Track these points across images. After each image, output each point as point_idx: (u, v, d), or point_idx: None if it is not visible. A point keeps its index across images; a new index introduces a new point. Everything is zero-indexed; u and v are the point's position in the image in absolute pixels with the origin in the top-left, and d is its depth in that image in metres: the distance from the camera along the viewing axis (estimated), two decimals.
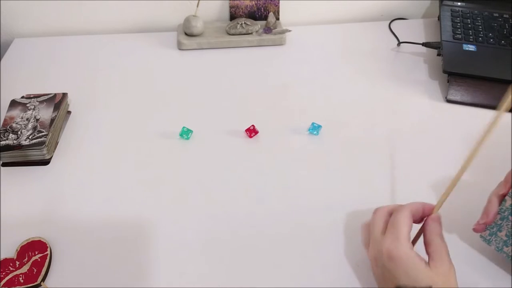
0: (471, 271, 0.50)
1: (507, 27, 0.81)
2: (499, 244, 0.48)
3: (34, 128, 0.63)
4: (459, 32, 0.80)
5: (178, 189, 0.59)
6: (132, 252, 0.52)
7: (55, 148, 0.65)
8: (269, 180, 0.60)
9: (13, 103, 0.68)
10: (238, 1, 0.87)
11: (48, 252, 0.51)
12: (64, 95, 0.70)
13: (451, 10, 0.85)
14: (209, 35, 0.85)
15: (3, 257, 0.51)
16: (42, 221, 0.56)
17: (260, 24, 0.86)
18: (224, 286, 0.49)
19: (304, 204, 0.57)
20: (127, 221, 0.56)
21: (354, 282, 0.49)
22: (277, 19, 0.89)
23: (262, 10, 0.89)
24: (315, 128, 0.66)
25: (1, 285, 0.48)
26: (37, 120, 0.65)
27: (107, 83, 0.77)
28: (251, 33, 0.85)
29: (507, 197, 0.47)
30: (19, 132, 0.63)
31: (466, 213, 0.52)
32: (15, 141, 0.61)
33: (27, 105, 0.67)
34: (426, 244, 0.44)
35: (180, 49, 0.85)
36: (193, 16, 0.84)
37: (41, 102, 0.68)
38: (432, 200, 0.48)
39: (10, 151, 0.61)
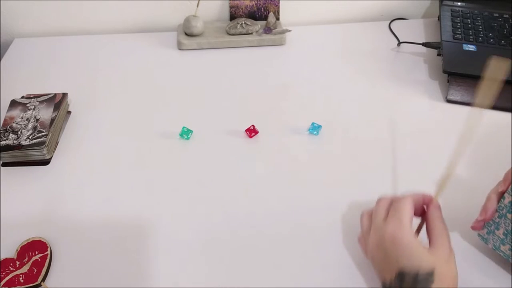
0: (470, 269, 0.50)
1: (507, 27, 0.81)
2: (496, 242, 0.48)
3: (34, 128, 0.63)
4: (459, 32, 0.80)
5: (178, 189, 0.59)
6: (132, 252, 0.52)
7: (55, 148, 0.65)
8: (269, 180, 0.60)
9: (13, 103, 0.68)
10: (238, 1, 0.87)
11: (48, 252, 0.51)
12: (64, 95, 0.70)
13: (451, 10, 0.85)
14: (209, 35, 0.85)
15: (3, 257, 0.51)
16: (42, 221, 0.56)
17: (260, 24, 0.86)
18: (224, 286, 0.49)
19: (304, 204, 0.57)
20: (127, 221, 0.56)
21: (354, 282, 0.49)
22: (277, 19, 0.89)
23: (262, 10, 0.89)
24: (315, 128, 0.66)
25: (1, 285, 0.48)
26: (37, 120, 0.65)
27: (107, 83, 0.77)
28: (251, 33, 0.85)
29: (506, 194, 0.47)
30: (19, 132, 0.63)
31: (464, 212, 0.53)
32: (15, 141, 0.61)
33: (27, 105, 0.67)
34: (428, 229, 0.45)
35: (180, 49, 0.85)
36: (193, 16, 0.84)
37: (41, 102, 0.68)
38: None
39: (10, 151, 0.61)
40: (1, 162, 0.63)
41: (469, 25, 0.81)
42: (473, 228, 0.49)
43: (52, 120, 0.65)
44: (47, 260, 0.50)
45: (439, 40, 0.79)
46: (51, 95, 0.69)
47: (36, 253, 0.51)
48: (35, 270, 0.49)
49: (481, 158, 0.63)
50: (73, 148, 0.65)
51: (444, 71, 0.73)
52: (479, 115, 0.41)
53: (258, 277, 0.50)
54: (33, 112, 0.66)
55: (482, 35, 0.79)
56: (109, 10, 0.88)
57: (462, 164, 0.62)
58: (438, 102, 0.73)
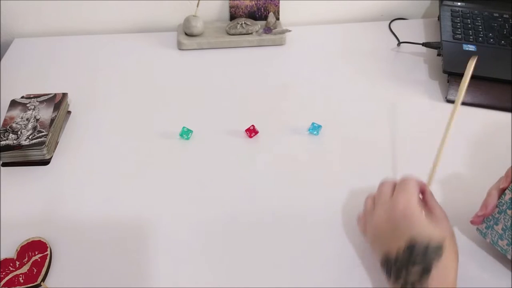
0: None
1: (507, 27, 0.81)
2: (494, 237, 0.49)
3: (34, 128, 0.63)
4: (459, 32, 0.80)
5: (178, 189, 0.59)
6: (132, 252, 0.52)
7: (55, 148, 0.65)
8: (269, 180, 0.60)
9: (13, 103, 0.68)
10: (238, 1, 0.87)
11: (48, 252, 0.51)
12: (64, 95, 0.70)
13: (451, 10, 0.85)
14: (209, 35, 0.85)
15: (3, 257, 0.51)
16: (42, 221, 0.56)
17: (260, 24, 0.86)
18: (224, 286, 0.49)
19: (304, 204, 0.57)
20: (127, 221, 0.56)
21: (354, 282, 0.49)
22: (277, 19, 0.89)
23: (262, 10, 0.89)
24: (315, 128, 0.66)
25: (1, 285, 0.48)
26: (37, 120, 0.65)
27: (107, 83, 0.77)
28: (251, 33, 0.85)
29: (507, 191, 0.47)
30: (19, 132, 0.63)
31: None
32: (15, 141, 0.61)
33: (27, 105, 0.67)
34: (428, 212, 0.46)
35: (180, 49, 0.85)
36: (193, 16, 0.84)
37: (41, 102, 0.68)
38: None
39: (10, 151, 0.61)
40: (1, 162, 0.63)
41: (469, 25, 0.81)
42: (472, 222, 0.50)
43: (52, 120, 0.65)
44: (47, 260, 0.50)
45: (439, 40, 0.79)
46: (51, 95, 0.69)
47: (36, 253, 0.51)
48: (35, 270, 0.49)
49: (481, 157, 0.63)
50: (73, 148, 0.65)
51: (444, 71, 0.73)
52: (457, 109, 0.48)
53: (258, 277, 0.50)
54: (33, 112, 0.66)
55: (482, 35, 0.79)
56: (109, 10, 0.88)
57: (463, 163, 0.62)
58: (438, 102, 0.73)
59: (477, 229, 0.51)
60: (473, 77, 0.75)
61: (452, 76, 0.73)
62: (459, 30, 0.80)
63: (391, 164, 0.62)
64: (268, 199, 0.58)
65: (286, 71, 0.80)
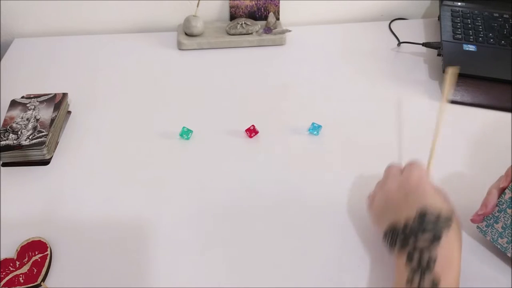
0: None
1: (507, 27, 0.81)
2: (494, 235, 0.49)
3: (34, 128, 0.63)
4: (459, 32, 0.80)
5: (178, 189, 0.59)
6: (132, 252, 0.52)
7: (55, 148, 0.65)
8: (269, 180, 0.60)
9: (13, 103, 0.68)
10: (238, 1, 0.87)
11: (48, 252, 0.51)
12: (64, 95, 0.70)
13: (451, 10, 0.85)
14: (209, 35, 0.85)
15: (3, 257, 0.51)
16: (42, 221, 0.56)
17: (260, 24, 0.86)
18: (224, 286, 0.49)
19: (304, 204, 0.57)
20: (127, 221, 0.56)
21: (354, 282, 0.49)
22: (277, 19, 0.89)
23: (262, 10, 0.89)
24: (315, 128, 0.66)
25: (1, 285, 0.48)
26: (37, 120, 0.65)
27: (107, 83, 0.77)
28: (251, 33, 0.85)
29: (507, 190, 0.48)
30: (19, 132, 0.63)
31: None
32: (15, 141, 0.61)
33: (27, 105, 0.67)
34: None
35: (180, 49, 0.85)
36: (193, 16, 0.84)
37: (41, 102, 0.68)
38: None
39: (10, 151, 0.61)
40: (1, 162, 0.63)
41: (469, 25, 0.81)
42: (472, 221, 0.51)
43: (52, 120, 0.65)
44: (47, 260, 0.50)
45: (439, 40, 0.79)
46: (51, 95, 0.69)
47: (36, 253, 0.51)
48: (35, 270, 0.49)
49: (481, 157, 0.63)
50: (73, 148, 0.65)
51: (444, 71, 0.73)
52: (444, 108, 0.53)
53: (258, 277, 0.50)
54: (33, 112, 0.66)
55: (482, 35, 0.79)
56: (109, 10, 0.88)
57: (463, 163, 0.62)
58: (438, 102, 0.72)
59: (478, 227, 0.51)
60: (473, 77, 0.75)
61: None
62: (459, 30, 0.80)
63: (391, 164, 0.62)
64: (268, 199, 0.58)
65: (286, 71, 0.80)
